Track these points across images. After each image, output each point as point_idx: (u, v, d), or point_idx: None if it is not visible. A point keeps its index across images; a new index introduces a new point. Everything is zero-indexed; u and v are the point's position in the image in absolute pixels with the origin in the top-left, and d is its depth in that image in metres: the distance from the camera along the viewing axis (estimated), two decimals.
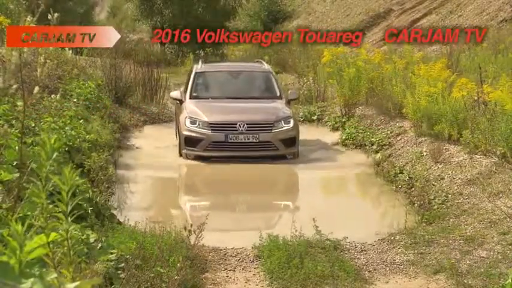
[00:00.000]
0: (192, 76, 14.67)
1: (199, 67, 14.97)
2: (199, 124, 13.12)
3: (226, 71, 15.53)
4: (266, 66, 15.45)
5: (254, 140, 12.99)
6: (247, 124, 13.01)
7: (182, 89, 14.98)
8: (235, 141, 12.97)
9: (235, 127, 12.98)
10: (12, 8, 15.91)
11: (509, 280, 5.81)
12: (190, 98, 14.05)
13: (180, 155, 13.38)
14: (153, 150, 14.24)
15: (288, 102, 14.28)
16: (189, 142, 13.08)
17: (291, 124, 13.35)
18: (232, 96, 14.25)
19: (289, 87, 19.77)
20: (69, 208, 2.51)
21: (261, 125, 13.15)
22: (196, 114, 13.32)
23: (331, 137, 15.43)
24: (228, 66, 16.38)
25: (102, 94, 15.99)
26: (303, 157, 13.63)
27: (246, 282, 7.60)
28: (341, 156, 13.96)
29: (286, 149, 13.25)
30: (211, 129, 13.05)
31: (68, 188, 2.47)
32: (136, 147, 14.48)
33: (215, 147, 13.01)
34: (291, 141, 13.26)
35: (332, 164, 13.35)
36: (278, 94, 14.43)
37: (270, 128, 13.13)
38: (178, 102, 14.38)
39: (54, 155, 2.57)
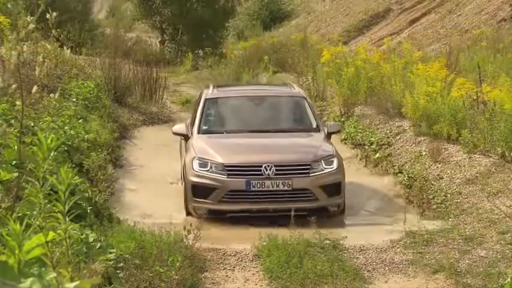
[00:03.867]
0: (200, 104, 11.37)
1: (209, 92, 11.70)
2: (211, 167, 9.90)
3: (245, 96, 12.07)
4: (297, 90, 12.15)
5: (286, 188, 9.77)
6: (275, 166, 9.79)
7: (188, 121, 11.92)
8: (260, 189, 9.77)
9: (260, 170, 9.76)
10: (11, 7, 15.91)
11: (509, 279, 5.82)
12: (199, 133, 10.84)
13: (187, 212, 10.10)
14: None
15: (328, 137, 10.92)
16: (198, 192, 9.89)
17: (334, 165, 10.05)
18: (255, 129, 11.05)
19: None
20: (67, 207, 2.50)
21: (294, 167, 9.94)
22: (208, 154, 10.11)
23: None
24: (248, 90, 12.97)
25: (101, 93, 15.98)
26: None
27: (245, 282, 7.61)
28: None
29: (328, 199, 9.93)
30: (228, 174, 9.82)
31: (65, 188, 2.46)
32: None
33: (233, 199, 9.83)
34: (335, 188, 9.98)
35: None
36: (315, 126, 11.14)
37: (307, 171, 9.89)
38: (183, 138, 11.19)
39: (52, 155, 2.57)
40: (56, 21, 4.71)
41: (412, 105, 13.02)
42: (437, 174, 11.09)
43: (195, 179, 9.90)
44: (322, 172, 9.93)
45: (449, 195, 10.21)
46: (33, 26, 4.51)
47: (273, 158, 9.97)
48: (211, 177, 9.85)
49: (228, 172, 9.81)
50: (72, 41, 18.19)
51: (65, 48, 15.96)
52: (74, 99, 13.78)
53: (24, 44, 4.61)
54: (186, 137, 10.89)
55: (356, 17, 30.34)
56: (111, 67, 17.57)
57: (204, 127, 10.99)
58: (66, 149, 9.82)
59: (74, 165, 9.22)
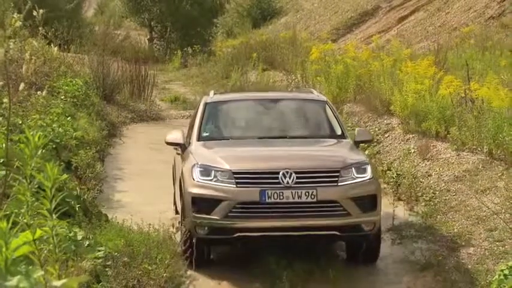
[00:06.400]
0: (199, 111, 9.50)
1: (209, 97, 9.82)
2: (215, 176, 7.94)
3: (253, 99, 10.33)
4: (316, 94, 10.33)
5: (309, 199, 7.76)
6: (296, 173, 7.82)
7: (185, 131, 9.66)
8: (278, 201, 7.76)
9: (277, 178, 7.78)
10: None
11: (496, 276, 5.85)
12: (199, 140, 8.96)
13: (187, 239, 7.70)
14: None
15: (356, 145, 9.01)
16: (199, 206, 7.91)
17: (368, 174, 8.11)
18: (267, 135, 9.22)
19: (277, 85, 19.76)
20: (54, 204, 2.49)
21: (320, 174, 8.00)
22: (211, 160, 8.19)
23: None
24: (255, 95, 11.38)
25: (89, 91, 15.95)
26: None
27: (234, 279, 7.61)
28: None
29: (362, 215, 7.90)
30: (237, 183, 7.84)
31: (51, 184, 2.45)
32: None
33: (244, 213, 7.83)
34: (370, 201, 8.04)
35: None
36: (339, 132, 9.23)
37: (335, 180, 7.92)
38: (179, 149, 9.22)
39: (40, 152, 2.56)
40: (43, 19, 4.68)
41: (401, 102, 13.05)
42: (426, 172, 11.12)
43: (195, 190, 7.94)
44: (354, 181, 7.99)
45: (437, 192, 10.24)
46: (21, 23, 4.49)
47: (293, 163, 8.05)
48: (216, 188, 7.88)
49: (237, 180, 7.85)
50: (60, 39, 18.14)
51: (52, 45, 15.90)
52: (62, 97, 13.73)
53: (11, 42, 4.59)
54: (183, 147, 8.98)
55: (345, 14, 30.37)
56: (100, 65, 17.54)
57: (205, 133, 9.14)
58: (54, 146, 9.79)
59: (62, 163, 9.19)
